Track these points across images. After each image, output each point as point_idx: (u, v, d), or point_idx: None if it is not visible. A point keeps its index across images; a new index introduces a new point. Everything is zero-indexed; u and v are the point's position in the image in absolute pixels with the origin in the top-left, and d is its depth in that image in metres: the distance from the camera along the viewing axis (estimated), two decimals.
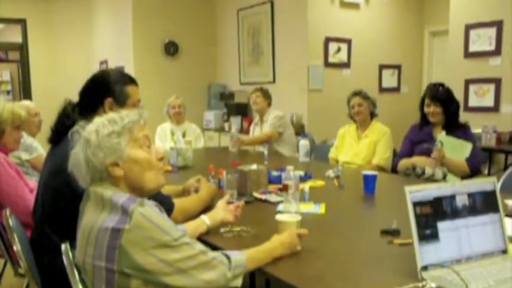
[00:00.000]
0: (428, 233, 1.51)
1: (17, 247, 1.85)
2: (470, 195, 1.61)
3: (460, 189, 1.61)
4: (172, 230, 1.41)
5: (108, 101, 2.10)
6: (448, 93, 3.53)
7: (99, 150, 1.44)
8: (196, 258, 1.42)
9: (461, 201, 1.59)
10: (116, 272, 1.36)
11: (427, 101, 3.54)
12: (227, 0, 7.96)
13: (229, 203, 2.13)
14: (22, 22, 9.20)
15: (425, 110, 3.55)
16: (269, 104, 5.20)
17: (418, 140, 3.56)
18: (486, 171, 5.47)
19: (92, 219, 1.42)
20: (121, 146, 1.46)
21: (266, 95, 5.17)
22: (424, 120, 3.60)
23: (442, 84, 3.59)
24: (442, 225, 1.54)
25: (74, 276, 1.44)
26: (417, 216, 1.50)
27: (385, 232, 1.94)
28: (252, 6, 7.31)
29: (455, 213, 1.58)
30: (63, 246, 1.51)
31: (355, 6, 6.69)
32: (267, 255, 1.64)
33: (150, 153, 1.54)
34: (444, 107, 3.48)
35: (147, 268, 1.35)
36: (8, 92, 12.26)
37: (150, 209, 1.41)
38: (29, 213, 2.25)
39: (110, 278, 1.37)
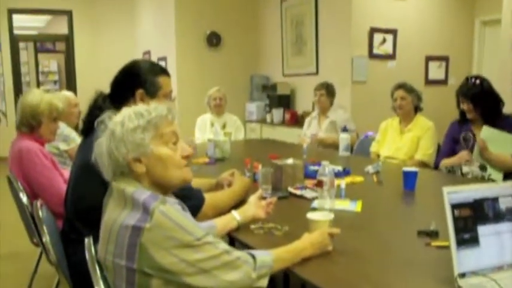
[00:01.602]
0: (467, 238, 1.41)
1: (46, 239, 1.85)
2: None
3: (503, 190, 1.50)
4: (195, 229, 1.37)
5: (139, 92, 2.07)
6: (481, 88, 3.26)
7: (122, 145, 1.42)
8: (219, 258, 1.37)
9: (505, 203, 1.49)
10: (136, 271, 1.33)
11: (460, 97, 3.35)
12: None
13: (262, 198, 2.07)
14: (68, 13, 9.39)
15: (462, 106, 3.36)
16: (332, 102, 5.09)
17: (459, 138, 3.39)
18: None
19: (114, 215, 1.40)
20: (145, 142, 1.43)
21: (331, 93, 5.06)
22: (463, 116, 3.42)
23: (477, 77, 3.35)
24: (483, 230, 1.44)
25: (96, 273, 1.42)
26: (456, 219, 1.40)
27: (423, 233, 1.85)
28: None
29: (498, 217, 1.47)
30: (86, 241, 1.49)
31: None
32: (295, 255, 1.58)
33: (176, 150, 1.49)
34: (475, 103, 3.26)
35: (168, 268, 1.32)
36: (55, 82, 12.61)
37: (172, 208, 1.37)
38: (62, 203, 2.26)
39: (130, 276, 1.34)
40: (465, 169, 3.20)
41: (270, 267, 1.48)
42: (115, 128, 1.44)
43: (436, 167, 3.54)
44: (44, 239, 1.87)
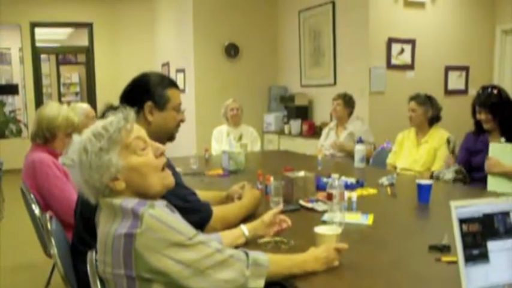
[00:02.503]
0: (476, 254, 1.36)
1: (54, 251, 1.85)
2: None
3: None
4: (186, 229, 1.38)
5: (148, 104, 2.06)
6: (499, 97, 3.22)
7: (92, 171, 1.40)
8: (212, 257, 1.37)
9: None
10: (135, 278, 1.33)
11: (477, 107, 3.29)
12: (288, 1, 7.88)
13: (282, 212, 2.03)
14: (89, 26, 9.54)
15: (477, 116, 3.30)
16: (350, 113, 5.00)
17: (475, 150, 3.31)
18: None
19: (106, 228, 1.40)
20: (113, 162, 1.40)
21: (348, 104, 4.97)
22: (479, 127, 3.35)
23: (494, 87, 3.30)
24: (493, 245, 1.39)
25: (96, 286, 1.41)
26: (464, 235, 1.36)
27: (434, 248, 1.80)
28: (313, 7, 7.19)
29: (509, 232, 1.42)
30: (88, 255, 1.49)
31: (420, 5, 6.42)
32: (294, 264, 1.56)
33: (147, 154, 1.46)
34: (493, 113, 3.20)
35: (164, 271, 1.32)
36: (76, 94, 12.79)
37: (161, 210, 1.37)
38: (73, 214, 2.26)
39: (131, 285, 1.34)
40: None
41: (265, 267, 1.46)
42: (81, 157, 1.41)
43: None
44: (52, 251, 1.87)
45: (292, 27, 7.74)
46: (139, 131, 1.49)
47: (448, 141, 3.41)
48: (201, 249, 1.37)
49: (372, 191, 2.85)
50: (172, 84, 2.17)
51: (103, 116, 2.06)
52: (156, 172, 1.47)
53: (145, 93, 2.08)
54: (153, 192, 1.47)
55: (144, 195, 1.45)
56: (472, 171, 3.31)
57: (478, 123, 3.34)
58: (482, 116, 3.25)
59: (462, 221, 1.37)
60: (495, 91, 3.24)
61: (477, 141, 3.34)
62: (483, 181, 3.17)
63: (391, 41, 6.24)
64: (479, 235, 1.38)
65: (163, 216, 1.35)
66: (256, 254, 1.49)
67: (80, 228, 1.99)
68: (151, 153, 1.48)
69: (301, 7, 7.47)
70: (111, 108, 2.09)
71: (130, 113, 1.48)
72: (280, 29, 8.18)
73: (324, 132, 5.27)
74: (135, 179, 1.43)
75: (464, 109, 6.35)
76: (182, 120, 2.22)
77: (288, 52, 8.00)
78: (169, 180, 1.52)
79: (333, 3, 6.76)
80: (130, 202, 1.39)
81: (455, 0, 6.71)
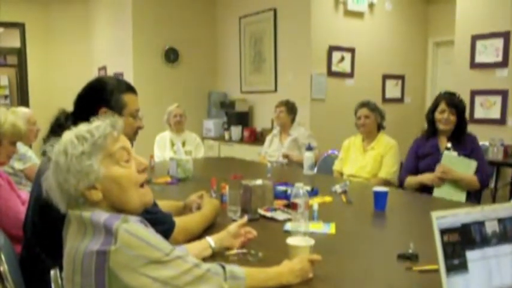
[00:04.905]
0: (456, 263, 1.37)
1: (3, 267, 1.71)
2: (501, 221, 1.48)
3: (489, 214, 1.47)
4: (163, 244, 1.29)
5: (103, 110, 1.94)
6: (463, 103, 3.40)
7: (70, 176, 1.29)
8: (190, 272, 1.30)
9: (491, 227, 1.46)
10: None
11: (442, 106, 3.33)
12: (229, 7, 7.85)
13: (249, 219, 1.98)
14: (21, 26, 9.06)
15: (438, 116, 3.35)
16: (293, 120, 5.04)
17: (423, 154, 3.40)
18: (492, 185, 5.34)
19: (75, 244, 1.29)
20: (94, 168, 1.30)
21: (290, 110, 5.01)
22: (431, 129, 3.44)
23: (455, 94, 3.45)
24: (471, 255, 1.40)
25: None
26: (445, 245, 1.36)
27: (402, 256, 1.80)
28: (254, 14, 7.19)
29: (485, 241, 1.44)
30: (52, 273, 1.37)
31: (359, 15, 6.58)
32: (269, 277, 1.51)
33: (130, 167, 1.38)
34: (459, 116, 3.33)
35: None
36: (5, 97, 12.13)
37: (136, 225, 1.28)
38: (20, 226, 2.10)
39: None
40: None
41: (242, 280, 1.41)
42: (59, 159, 1.31)
43: (401, 184, 3.53)
44: (1, 268, 1.72)
45: (233, 33, 7.70)
46: (125, 141, 1.39)
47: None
48: (179, 264, 1.29)
49: (327, 198, 2.85)
50: (130, 89, 2.06)
51: (56, 121, 1.95)
52: (136, 187, 1.38)
53: (100, 98, 1.96)
54: (130, 208, 1.37)
55: (120, 210, 1.35)
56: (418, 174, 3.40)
57: (432, 124, 3.42)
58: (445, 115, 3.32)
59: (443, 232, 1.37)
60: (459, 97, 3.39)
61: (426, 145, 3.43)
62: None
63: (331, 49, 6.35)
64: (458, 245, 1.39)
65: (139, 231, 1.26)
66: (232, 267, 1.43)
67: (32, 243, 1.85)
68: (134, 167, 1.39)
69: (242, 13, 7.45)
70: (64, 113, 1.98)
71: (118, 120, 1.38)
72: (220, 34, 8.12)
73: (268, 139, 5.27)
74: (114, 192, 1.34)
75: (400, 116, 6.61)
76: (140, 127, 2.12)
77: (228, 58, 7.96)
78: (148, 197, 1.44)
79: (275, 10, 6.79)
80: (101, 216, 1.28)
81: (391, 12, 6.93)
